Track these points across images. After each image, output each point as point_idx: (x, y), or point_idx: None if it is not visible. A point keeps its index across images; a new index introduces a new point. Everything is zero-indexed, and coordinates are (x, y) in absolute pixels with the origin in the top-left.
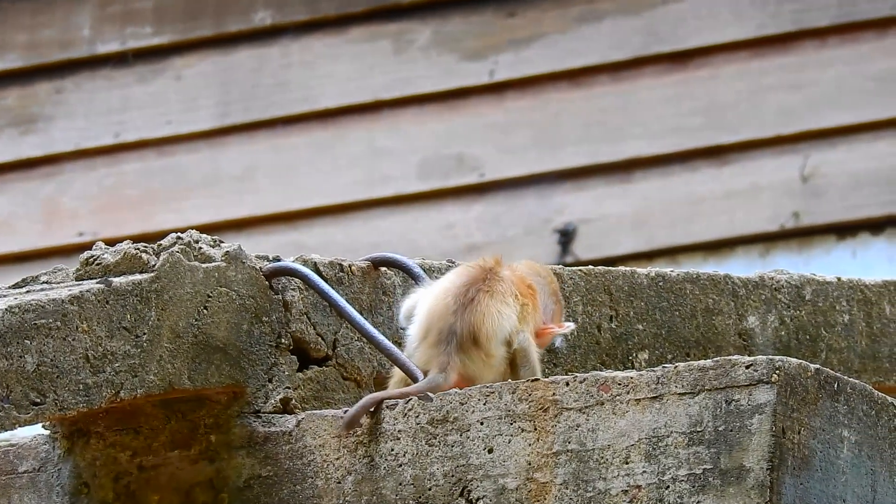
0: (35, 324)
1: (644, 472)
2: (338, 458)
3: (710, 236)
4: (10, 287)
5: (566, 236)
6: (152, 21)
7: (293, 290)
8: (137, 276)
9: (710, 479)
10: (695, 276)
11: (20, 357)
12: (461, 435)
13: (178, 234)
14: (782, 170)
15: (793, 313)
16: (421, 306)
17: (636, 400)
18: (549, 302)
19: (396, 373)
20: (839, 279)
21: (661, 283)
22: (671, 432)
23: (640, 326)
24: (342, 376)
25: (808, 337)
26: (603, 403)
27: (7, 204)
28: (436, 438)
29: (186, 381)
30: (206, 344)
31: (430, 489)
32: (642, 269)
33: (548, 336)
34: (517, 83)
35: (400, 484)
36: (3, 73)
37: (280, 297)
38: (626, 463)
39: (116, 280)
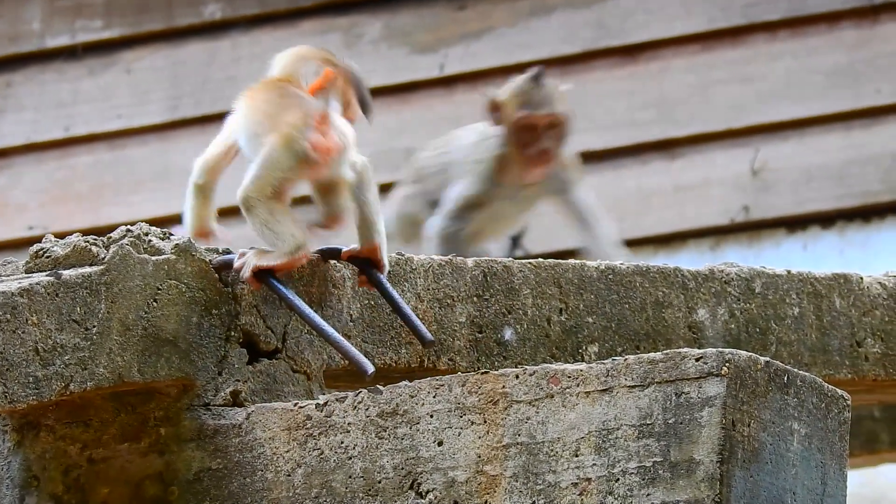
0: None
1: (594, 464)
2: (287, 451)
3: (661, 230)
4: None
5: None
6: (102, 14)
7: (243, 283)
8: (87, 269)
9: (660, 471)
10: (645, 269)
11: None
12: (411, 428)
13: (128, 226)
14: (733, 163)
15: (743, 306)
16: None
17: (586, 393)
18: None
19: None
20: (789, 272)
21: (610, 276)
22: (621, 425)
23: (590, 319)
24: (292, 369)
25: (757, 330)
26: (553, 396)
27: None
28: (385, 431)
29: (136, 374)
30: (156, 337)
31: (380, 482)
32: (592, 262)
33: None
34: (467, 77)
35: (350, 477)
36: None
37: (230, 289)
38: (576, 456)
39: (66, 273)
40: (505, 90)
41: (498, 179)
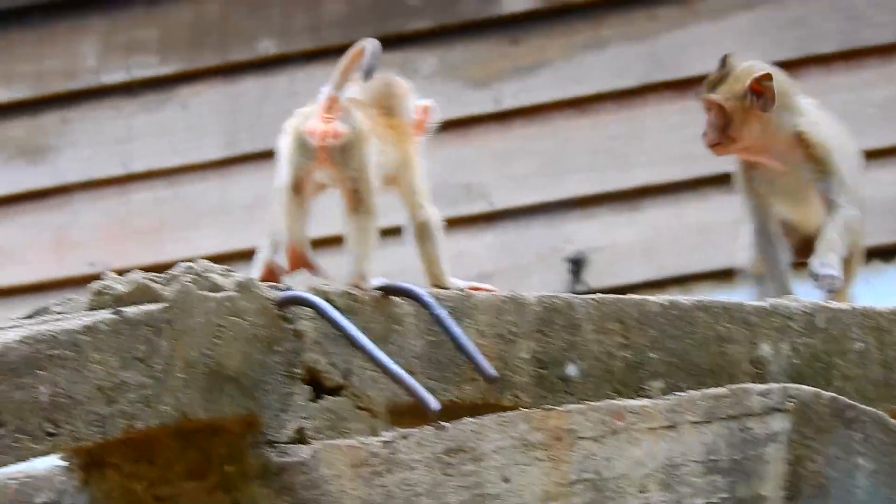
0: (48, 354)
1: (661, 501)
2: (353, 489)
3: (721, 264)
4: (22, 318)
5: (577, 265)
6: (157, 51)
7: (305, 319)
8: (149, 306)
9: None
10: (707, 304)
11: (34, 388)
12: (476, 464)
13: (189, 263)
14: None
15: (806, 341)
16: None
17: (651, 429)
18: None
19: None
20: (852, 306)
21: (673, 312)
22: (687, 461)
23: (653, 355)
24: (356, 406)
25: (821, 365)
26: (617, 432)
27: (17, 234)
28: (451, 468)
29: (200, 412)
30: (219, 374)
31: None
32: (654, 298)
33: None
34: (523, 111)
35: None
36: (9, 104)
37: (292, 326)
38: (643, 492)
39: (128, 310)
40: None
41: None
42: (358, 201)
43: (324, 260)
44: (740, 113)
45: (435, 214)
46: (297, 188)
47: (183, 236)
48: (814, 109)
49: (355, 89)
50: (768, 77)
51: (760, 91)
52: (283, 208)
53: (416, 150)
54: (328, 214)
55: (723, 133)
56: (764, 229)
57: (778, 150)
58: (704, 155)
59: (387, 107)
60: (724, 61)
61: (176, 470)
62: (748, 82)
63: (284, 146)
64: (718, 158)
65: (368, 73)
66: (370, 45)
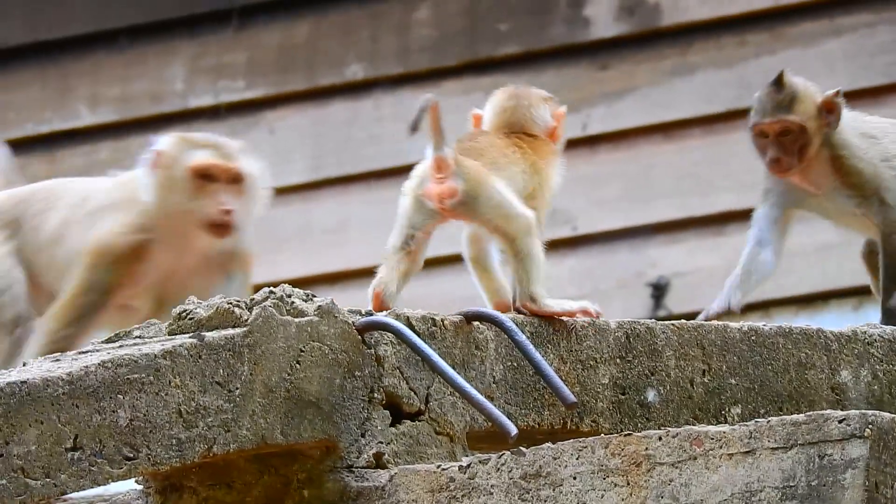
0: (128, 378)
1: None
2: None
3: (803, 290)
4: (102, 342)
5: (659, 290)
6: (245, 75)
7: (386, 344)
8: (230, 331)
9: None
10: (787, 331)
11: (113, 412)
12: (554, 490)
13: (271, 288)
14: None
15: (886, 367)
16: None
17: (729, 455)
18: None
19: None
20: None
21: (753, 338)
22: (764, 487)
23: (733, 381)
24: (435, 431)
25: None
26: (696, 458)
27: None
28: (529, 493)
29: (279, 436)
30: (299, 398)
31: None
32: (735, 324)
33: None
34: (610, 136)
35: None
36: (96, 127)
37: (373, 351)
38: None
39: (209, 334)
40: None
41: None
42: (503, 235)
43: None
44: (815, 132)
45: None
46: (408, 247)
47: (266, 260)
48: (848, 123)
49: (484, 116)
50: (839, 94)
51: (833, 108)
52: (389, 266)
53: (551, 163)
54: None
55: (799, 156)
56: None
57: (817, 173)
58: None
59: (516, 123)
60: (781, 81)
61: (254, 494)
62: (821, 100)
63: (402, 208)
64: None
65: (414, 128)
66: (426, 100)
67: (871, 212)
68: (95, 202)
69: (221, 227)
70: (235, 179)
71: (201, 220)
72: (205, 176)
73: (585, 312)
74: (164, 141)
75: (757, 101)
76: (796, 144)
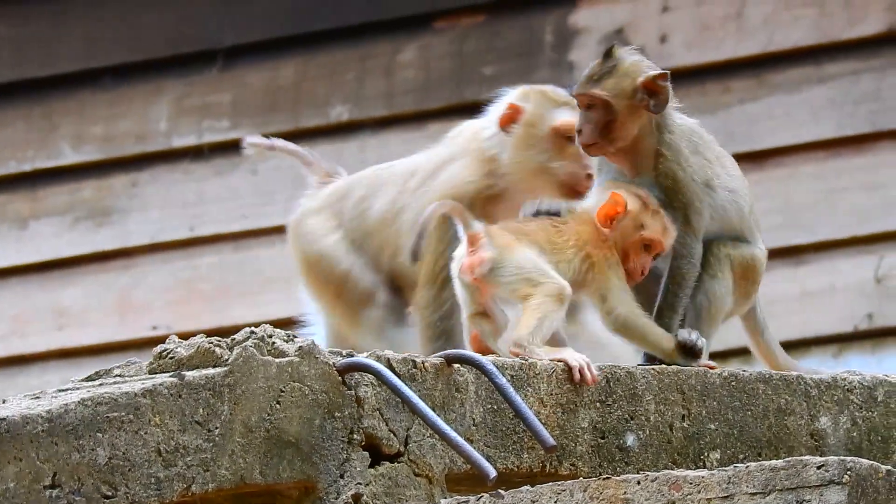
0: (108, 416)
1: None
2: None
3: (785, 336)
4: (83, 380)
5: None
6: (229, 115)
7: (366, 385)
8: (210, 371)
9: None
10: (767, 377)
11: (92, 450)
12: None
13: (252, 328)
14: (857, 271)
15: (865, 414)
16: None
17: (707, 499)
18: None
19: None
20: None
21: (733, 383)
22: None
23: (712, 426)
24: (414, 472)
25: (879, 438)
26: (674, 502)
27: (81, 296)
28: None
29: (258, 476)
30: (279, 439)
31: None
32: (715, 369)
33: None
34: None
35: None
36: (79, 166)
37: (353, 392)
38: None
39: (189, 374)
40: None
41: None
42: (524, 298)
43: None
44: (626, 112)
45: None
46: (478, 313)
47: (248, 301)
48: (687, 132)
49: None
50: (665, 76)
51: (655, 90)
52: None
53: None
54: None
55: (603, 132)
56: None
57: (637, 160)
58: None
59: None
60: (609, 53)
61: None
62: (641, 79)
63: (456, 290)
64: (786, 231)
65: (415, 256)
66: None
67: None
68: (424, 170)
69: (578, 190)
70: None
71: (561, 180)
72: (568, 137)
73: (566, 363)
74: (518, 95)
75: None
76: (602, 120)
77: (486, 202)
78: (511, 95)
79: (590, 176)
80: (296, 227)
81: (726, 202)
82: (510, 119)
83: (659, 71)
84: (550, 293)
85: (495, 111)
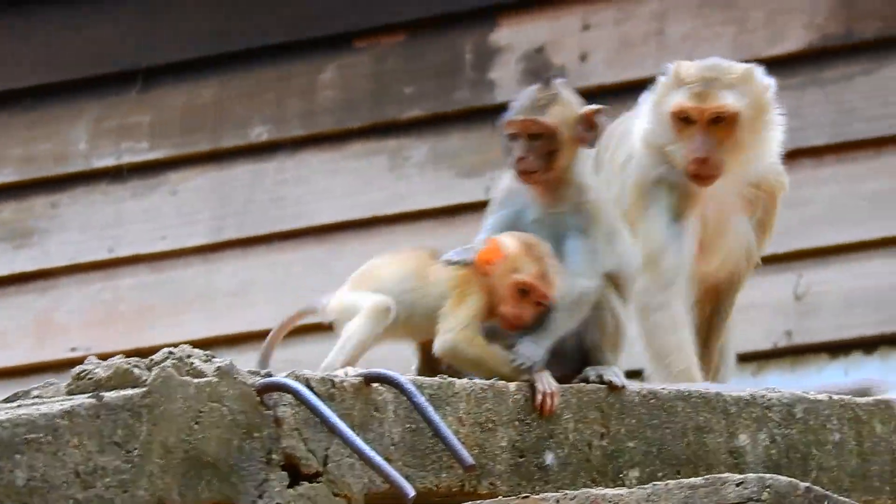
0: (26, 438)
1: None
2: None
3: None
4: (1, 402)
5: None
6: (148, 136)
7: (285, 405)
8: (129, 391)
9: None
10: (686, 394)
11: (10, 471)
12: None
13: (171, 349)
14: (776, 288)
15: (784, 431)
16: None
17: None
18: None
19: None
20: (830, 397)
21: (652, 401)
22: None
23: (631, 444)
24: (333, 493)
25: (798, 455)
26: None
27: (0, 318)
28: None
29: (176, 497)
30: (197, 459)
31: None
32: (633, 386)
33: None
34: None
35: None
36: None
37: (272, 412)
38: None
39: (108, 395)
40: None
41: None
42: None
43: None
44: (568, 142)
45: None
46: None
47: (168, 322)
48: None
49: None
50: (602, 111)
51: (592, 125)
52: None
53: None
54: None
55: (545, 161)
56: None
57: (559, 192)
58: None
59: None
60: (548, 82)
61: None
62: (583, 111)
63: None
64: None
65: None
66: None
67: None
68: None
69: (697, 175)
70: (716, 119)
71: (683, 165)
72: (684, 119)
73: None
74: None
75: (517, 100)
76: (545, 149)
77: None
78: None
79: (702, 160)
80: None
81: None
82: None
83: (598, 105)
84: (364, 312)
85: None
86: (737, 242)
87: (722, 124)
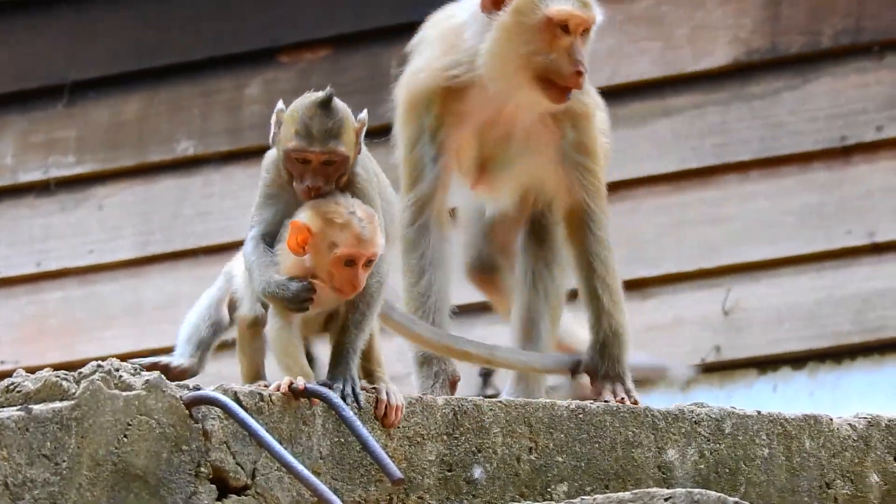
0: None
1: None
2: None
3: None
4: None
5: (487, 369)
6: (75, 150)
7: (213, 419)
8: (58, 404)
9: None
10: (615, 409)
11: None
12: None
13: (99, 362)
14: (704, 303)
15: (712, 446)
16: None
17: None
18: None
19: None
20: (759, 413)
21: (580, 415)
22: None
23: (560, 458)
24: None
25: (727, 470)
26: None
27: None
28: None
29: None
30: (126, 472)
31: None
32: (562, 401)
33: None
34: None
35: None
36: None
37: (200, 425)
38: None
39: (37, 407)
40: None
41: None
42: None
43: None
44: (353, 157)
45: None
46: None
47: (95, 336)
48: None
49: None
50: (364, 120)
51: (359, 133)
52: None
53: None
54: None
55: (336, 184)
56: None
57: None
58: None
59: None
60: (329, 105)
61: None
62: (356, 125)
63: None
64: (631, 265)
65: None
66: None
67: None
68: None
69: (565, 89)
70: (587, 31)
71: (545, 75)
72: (563, 27)
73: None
74: None
75: (300, 123)
76: (337, 173)
77: (450, 95)
78: None
79: (580, 73)
80: None
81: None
82: (493, 5)
83: (363, 113)
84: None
85: None
86: (533, 169)
87: None
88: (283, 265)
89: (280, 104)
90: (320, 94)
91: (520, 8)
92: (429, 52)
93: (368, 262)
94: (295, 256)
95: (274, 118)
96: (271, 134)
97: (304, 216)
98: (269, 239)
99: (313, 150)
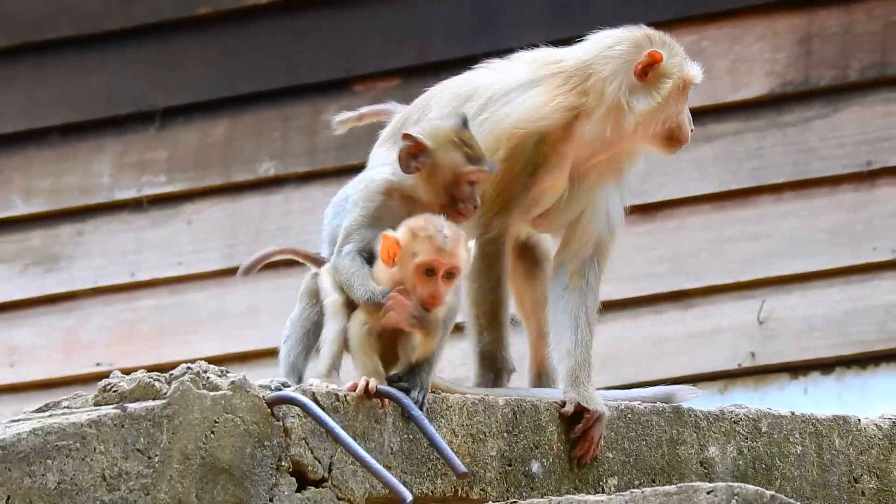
0: (56, 445)
1: None
2: None
3: (674, 373)
4: (33, 411)
5: None
6: (166, 170)
7: (293, 417)
8: (150, 403)
9: None
10: (660, 410)
11: (42, 475)
12: None
13: (188, 364)
14: (741, 313)
15: (750, 444)
16: None
17: None
18: None
19: None
20: (793, 413)
21: (629, 415)
22: None
23: (610, 454)
24: (337, 497)
25: (763, 466)
26: None
27: (31, 335)
28: None
29: (194, 500)
30: (213, 465)
31: None
32: (613, 402)
33: None
34: None
35: None
36: (28, 217)
37: (281, 423)
38: None
39: (131, 406)
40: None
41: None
42: None
43: None
44: None
45: None
46: None
47: (183, 340)
48: None
49: None
50: None
51: None
52: None
53: None
54: None
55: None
56: None
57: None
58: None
59: None
60: (466, 122)
61: None
62: None
63: None
64: (674, 278)
65: (246, 272)
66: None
67: None
68: (495, 90)
69: (682, 141)
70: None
71: (669, 131)
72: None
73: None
74: (656, 42)
75: (467, 147)
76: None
77: (567, 132)
78: (646, 41)
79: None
80: (369, 161)
81: None
82: (647, 69)
83: None
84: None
85: (622, 55)
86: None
87: None
88: (378, 276)
89: (410, 132)
90: (458, 118)
91: (665, 72)
92: (536, 91)
93: (449, 276)
94: (386, 268)
95: (405, 148)
96: (405, 162)
97: (401, 228)
98: (366, 254)
99: (484, 170)
